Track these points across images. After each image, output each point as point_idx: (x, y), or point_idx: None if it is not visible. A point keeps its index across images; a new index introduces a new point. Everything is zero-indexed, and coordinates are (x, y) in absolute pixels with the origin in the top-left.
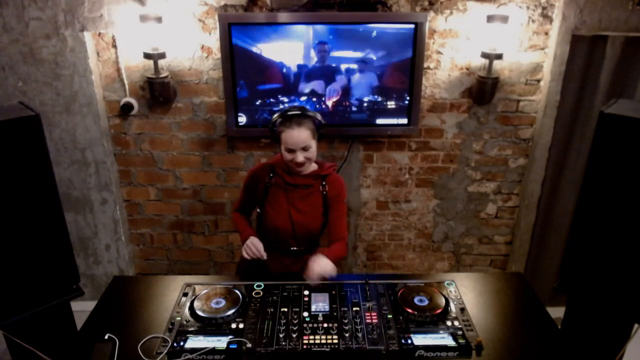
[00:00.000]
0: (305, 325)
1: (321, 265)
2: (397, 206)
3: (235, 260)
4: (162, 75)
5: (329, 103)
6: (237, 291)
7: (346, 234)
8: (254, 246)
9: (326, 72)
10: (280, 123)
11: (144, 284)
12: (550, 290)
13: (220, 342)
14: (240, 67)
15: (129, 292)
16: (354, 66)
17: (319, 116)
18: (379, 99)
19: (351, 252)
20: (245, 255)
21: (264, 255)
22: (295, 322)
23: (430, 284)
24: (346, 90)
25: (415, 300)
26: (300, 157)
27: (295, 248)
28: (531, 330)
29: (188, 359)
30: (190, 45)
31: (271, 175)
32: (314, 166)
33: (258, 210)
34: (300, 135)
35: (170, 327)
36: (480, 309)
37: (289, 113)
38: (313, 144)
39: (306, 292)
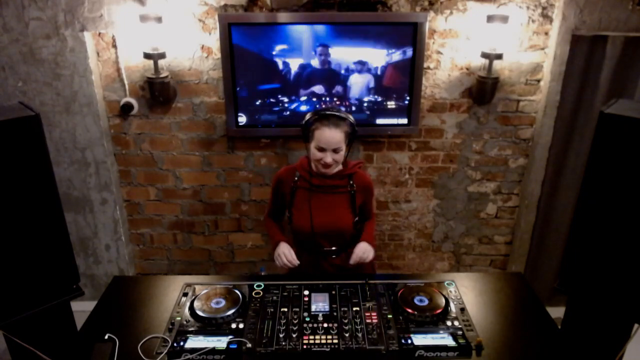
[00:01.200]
0: (305, 325)
1: (363, 249)
2: (397, 206)
3: (236, 260)
4: (162, 75)
5: (323, 103)
6: (237, 291)
7: (374, 212)
8: (285, 255)
9: (326, 72)
10: (317, 120)
11: (144, 284)
12: (550, 290)
13: (220, 342)
14: (240, 67)
15: (129, 292)
16: (354, 66)
17: (353, 121)
18: (379, 99)
19: None
20: (278, 264)
21: (296, 263)
22: (295, 322)
23: (430, 284)
24: (346, 90)
25: (415, 300)
26: (329, 157)
27: (328, 248)
28: (531, 330)
29: (188, 359)
30: (190, 45)
31: (296, 178)
32: (339, 166)
33: (287, 213)
34: (335, 136)
35: (170, 327)
36: (480, 309)
37: (328, 112)
38: (344, 148)
39: (306, 292)
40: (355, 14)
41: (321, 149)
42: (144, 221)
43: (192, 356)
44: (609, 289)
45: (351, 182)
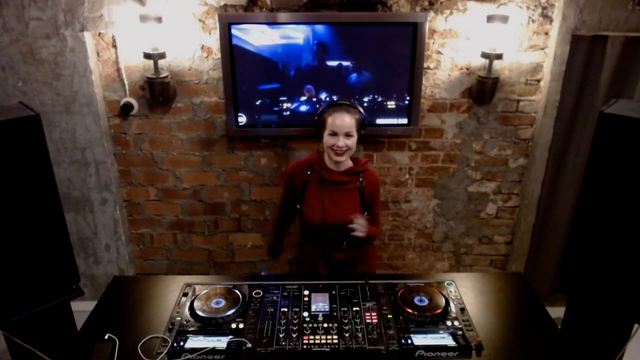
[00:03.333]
0: (305, 325)
1: (363, 223)
2: (397, 206)
3: (236, 260)
4: (162, 75)
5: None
6: (237, 291)
7: (381, 224)
8: None
9: (326, 72)
10: (329, 107)
11: (144, 284)
12: (550, 290)
13: (220, 342)
14: (240, 67)
15: (129, 292)
16: (354, 66)
17: (364, 113)
18: (379, 98)
19: None
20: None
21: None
22: (295, 322)
23: (430, 284)
24: (346, 90)
25: (415, 300)
26: (341, 141)
27: (336, 242)
28: (531, 330)
29: (188, 359)
30: (190, 45)
31: (309, 172)
32: (349, 163)
33: (298, 207)
34: (346, 120)
35: (170, 327)
36: (480, 309)
37: (340, 101)
38: (355, 136)
39: (306, 292)
40: (355, 14)
41: (334, 134)
42: (144, 221)
43: (192, 356)
44: (609, 289)
45: (361, 179)
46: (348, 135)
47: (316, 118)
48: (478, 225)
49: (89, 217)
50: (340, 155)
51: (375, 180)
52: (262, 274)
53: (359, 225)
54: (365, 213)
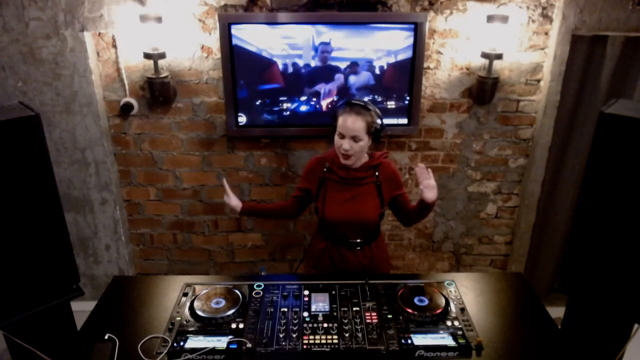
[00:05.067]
0: (305, 325)
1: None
2: None
3: (236, 260)
4: (162, 75)
5: (324, 103)
6: (237, 291)
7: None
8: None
9: (326, 72)
10: (342, 106)
11: (144, 284)
12: (550, 290)
13: (220, 342)
14: (240, 67)
15: (129, 292)
16: (354, 66)
17: (380, 116)
18: (379, 99)
19: None
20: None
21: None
22: (295, 322)
23: (430, 284)
24: (346, 90)
25: (415, 300)
26: (346, 144)
27: (353, 240)
28: (531, 330)
29: (188, 359)
30: (190, 45)
31: (325, 169)
32: (365, 157)
33: (315, 204)
34: (354, 123)
35: (170, 327)
36: (480, 309)
37: (353, 101)
38: (365, 139)
39: (306, 292)
40: (355, 13)
41: (341, 136)
42: (144, 221)
43: (192, 356)
44: (609, 289)
45: (377, 174)
46: (355, 138)
47: (332, 114)
48: (478, 225)
49: (89, 217)
50: (346, 158)
51: (391, 171)
52: (262, 274)
53: (429, 182)
54: (382, 210)
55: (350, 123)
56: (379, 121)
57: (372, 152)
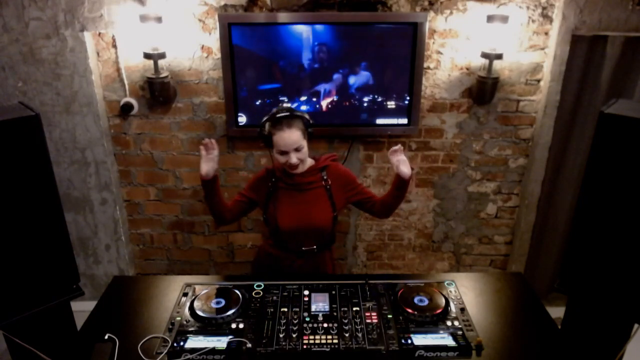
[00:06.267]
0: (305, 325)
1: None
2: None
3: (236, 260)
4: (162, 75)
5: (324, 103)
6: (237, 291)
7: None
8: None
9: (326, 72)
10: (271, 126)
11: (144, 284)
12: (550, 290)
13: (220, 342)
14: (240, 67)
15: (129, 292)
16: (354, 66)
17: (307, 115)
18: (379, 98)
19: (351, 252)
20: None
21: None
22: (295, 322)
23: (430, 284)
24: (346, 90)
25: (415, 300)
26: (293, 158)
27: (306, 248)
28: (531, 330)
29: (188, 359)
30: (190, 45)
31: (273, 179)
32: (310, 162)
33: (264, 216)
34: (291, 137)
35: (170, 327)
36: (480, 309)
37: (278, 115)
38: (305, 144)
39: (306, 292)
40: (355, 14)
41: (283, 152)
42: (144, 221)
43: (192, 356)
44: (609, 289)
45: (325, 177)
46: (297, 149)
47: (259, 134)
48: (478, 225)
49: (89, 217)
50: (296, 169)
51: (341, 173)
52: None
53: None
54: (335, 214)
55: (288, 137)
56: (307, 117)
57: (317, 156)
